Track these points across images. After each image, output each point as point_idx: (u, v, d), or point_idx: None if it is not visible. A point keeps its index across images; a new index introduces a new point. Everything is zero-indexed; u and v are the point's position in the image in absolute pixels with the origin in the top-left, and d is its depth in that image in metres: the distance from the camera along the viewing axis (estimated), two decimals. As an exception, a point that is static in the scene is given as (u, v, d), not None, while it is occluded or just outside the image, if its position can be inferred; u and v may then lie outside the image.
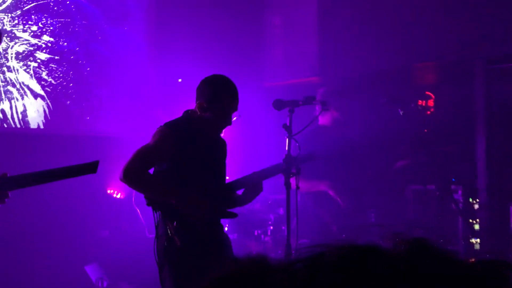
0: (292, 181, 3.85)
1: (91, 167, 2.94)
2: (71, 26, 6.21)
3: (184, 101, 4.20)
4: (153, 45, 6.84)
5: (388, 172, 5.14)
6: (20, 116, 5.92)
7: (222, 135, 3.82)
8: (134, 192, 5.66)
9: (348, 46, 6.28)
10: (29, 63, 5.95)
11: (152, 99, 6.65)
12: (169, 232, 3.33)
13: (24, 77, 5.92)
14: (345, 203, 4.85)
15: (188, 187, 3.39)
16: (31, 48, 5.96)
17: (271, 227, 5.42)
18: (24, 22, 5.93)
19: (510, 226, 4.99)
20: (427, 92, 5.16)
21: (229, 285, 0.92)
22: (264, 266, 0.90)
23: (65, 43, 6.16)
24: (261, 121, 6.42)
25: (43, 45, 6.02)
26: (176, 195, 3.32)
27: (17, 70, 5.88)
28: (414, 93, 5.53)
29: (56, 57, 6.09)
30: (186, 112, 3.58)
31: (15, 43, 5.88)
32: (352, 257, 0.77)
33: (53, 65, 6.07)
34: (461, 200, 5.15)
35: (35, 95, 5.98)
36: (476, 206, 5.23)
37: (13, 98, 5.87)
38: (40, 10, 6.01)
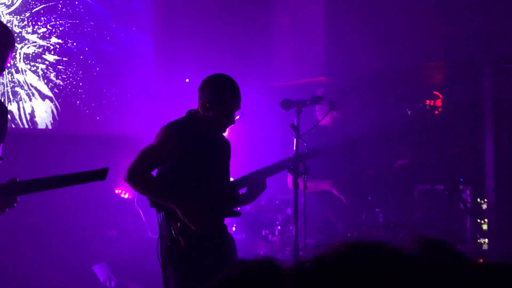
0: (299, 181, 3.85)
1: (100, 174, 2.94)
2: (80, 27, 6.23)
3: (192, 101, 4.21)
4: (160, 45, 6.85)
5: (388, 171, 5.13)
6: (28, 117, 5.94)
7: (227, 133, 3.82)
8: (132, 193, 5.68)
9: (356, 46, 6.28)
10: (37, 64, 5.97)
11: (161, 99, 6.66)
12: (173, 232, 3.34)
13: (32, 79, 5.95)
14: (348, 202, 4.85)
15: (188, 190, 3.38)
16: (40, 50, 5.98)
17: (279, 227, 5.41)
18: (33, 23, 5.95)
19: (518, 226, 4.98)
20: (435, 92, 5.15)
21: (236, 286, 0.93)
22: (271, 268, 0.90)
23: (74, 43, 6.18)
24: (268, 120, 6.42)
25: (51, 47, 6.04)
26: (175, 203, 3.33)
27: (25, 71, 5.90)
28: (422, 93, 5.52)
29: (65, 59, 6.11)
30: (189, 112, 3.58)
31: (24, 45, 5.90)
32: (363, 256, 0.77)
33: (61, 67, 6.09)
34: (469, 200, 5.13)
35: (43, 96, 6.01)
36: (484, 206, 5.22)
37: (21, 100, 5.90)
38: (48, 12, 6.03)
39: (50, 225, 5.72)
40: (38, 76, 5.98)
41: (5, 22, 5.57)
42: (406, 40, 5.95)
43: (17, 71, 5.87)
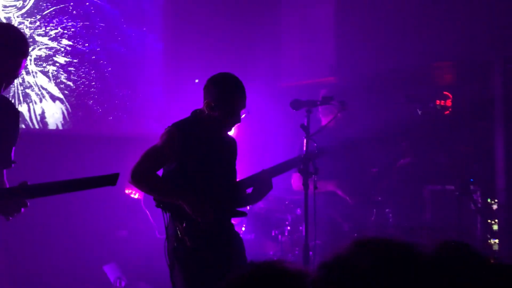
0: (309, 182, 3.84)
1: (110, 180, 2.95)
2: (91, 28, 6.25)
3: (202, 102, 4.21)
4: (170, 46, 6.87)
5: (391, 169, 5.11)
6: (38, 117, 5.97)
7: (233, 132, 3.81)
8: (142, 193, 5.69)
9: (366, 46, 6.26)
10: (48, 66, 6.00)
11: (171, 99, 6.67)
12: (178, 233, 3.34)
13: (43, 80, 5.97)
14: (354, 202, 4.85)
15: (194, 190, 3.38)
16: (50, 52, 6.01)
17: (288, 228, 5.41)
18: (44, 26, 5.98)
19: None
20: (445, 92, 5.13)
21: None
22: (281, 271, 0.90)
23: (86, 44, 6.20)
24: (277, 121, 6.42)
25: (62, 49, 6.06)
26: (181, 197, 3.33)
27: (36, 73, 5.93)
28: (432, 93, 5.50)
29: (75, 60, 6.14)
30: (194, 111, 3.57)
31: (35, 48, 5.92)
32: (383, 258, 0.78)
33: (72, 68, 6.12)
34: (480, 201, 5.11)
35: (54, 98, 6.03)
36: (495, 207, 5.20)
37: (31, 101, 5.92)
38: (59, 14, 6.06)
39: (61, 225, 5.74)
40: (49, 77, 6.00)
41: (16, 25, 5.60)
42: (416, 40, 5.93)
43: (28, 73, 5.90)
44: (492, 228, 5.11)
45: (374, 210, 5.00)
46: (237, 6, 7.08)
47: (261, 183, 3.58)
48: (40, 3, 5.95)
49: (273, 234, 5.46)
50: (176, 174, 3.43)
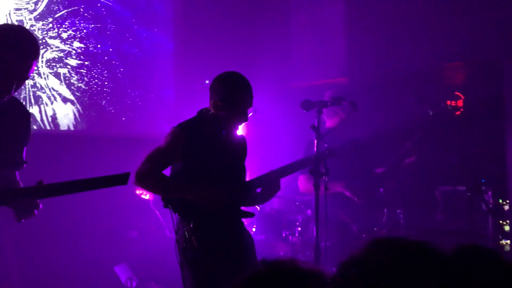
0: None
1: (122, 179, 2.96)
2: (103, 29, 6.28)
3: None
4: (180, 46, 6.88)
5: (398, 170, 5.10)
6: (50, 119, 6.00)
7: (243, 133, 3.81)
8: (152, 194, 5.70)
9: (376, 47, 6.25)
10: (59, 69, 6.02)
11: (182, 99, 6.68)
12: (186, 233, 3.35)
13: (54, 82, 6.00)
14: (361, 202, 4.84)
15: (201, 182, 3.38)
16: (62, 54, 6.03)
17: (299, 228, 5.41)
18: (56, 28, 6.01)
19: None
20: (457, 93, 5.12)
21: (260, 286, 0.93)
22: (295, 270, 0.91)
23: (98, 46, 6.23)
24: (287, 121, 6.42)
25: (74, 51, 6.09)
26: (190, 190, 3.33)
27: (47, 75, 5.96)
28: (443, 93, 5.49)
29: (86, 62, 6.16)
30: (201, 111, 3.56)
31: (46, 50, 5.95)
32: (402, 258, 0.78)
33: (83, 70, 6.14)
34: (491, 201, 5.09)
35: (65, 100, 6.06)
36: (506, 207, 5.18)
37: (42, 103, 5.95)
38: (71, 16, 6.08)
39: (72, 226, 5.77)
40: (60, 80, 6.03)
41: (28, 27, 5.63)
42: (426, 41, 5.92)
43: (40, 76, 5.93)
44: (503, 228, 5.09)
45: (385, 210, 4.99)
46: (247, 7, 7.09)
47: (270, 183, 3.58)
48: (52, 6, 5.98)
49: (283, 235, 5.46)
50: (182, 174, 3.43)
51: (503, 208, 5.17)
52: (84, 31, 6.15)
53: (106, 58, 6.29)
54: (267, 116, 6.38)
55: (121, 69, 6.40)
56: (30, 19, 5.87)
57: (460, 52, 5.85)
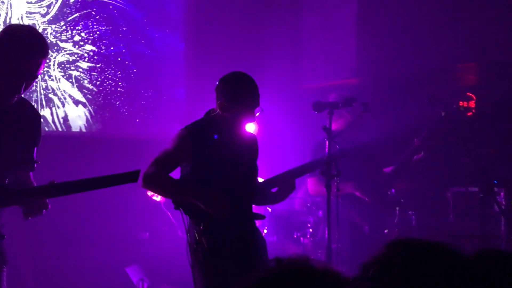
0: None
1: (132, 176, 2.97)
2: (115, 31, 6.30)
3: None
4: (191, 47, 6.89)
5: (407, 167, 5.08)
6: (61, 120, 6.02)
7: (255, 132, 3.80)
8: None
9: (388, 47, 6.24)
10: (71, 72, 6.05)
11: (195, 100, 6.69)
12: (196, 235, 3.35)
13: (66, 85, 6.02)
14: (372, 202, 4.83)
15: (207, 186, 3.37)
16: (74, 57, 6.06)
17: (310, 230, 5.40)
18: (68, 31, 6.03)
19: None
20: (469, 93, 5.10)
21: (274, 285, 0.93)
22: (310, 269, 0.90)
23: (111, 48, 6.25)
24: (298, 123, 6.42)
25: (86, 54, 6.11)
26: (195, 196, 3.33)
27: (59, 78, 5.99)
28: (455, 94, 5.47)
29: (98, 65, 6.18)
30: (208, 112, 3.56)
31: (58, 53, 5.98)
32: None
33: (94, 73, 6.17)
34: (504, 202, 5.06)
35: (77, 102, 6.08)
36: (519, 209, 5.14)
37: (54, 106, 5.98)
38: (83, 19, 6.11)
39: (84, 227, 5.79)
40: (72, 82, 6.05)
41: (40, 31, 5.67)
42: (438, 41, 5.90)
43: (51, 78, 5.96)
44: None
45: (397, 212, 4.98)
46: (258, 8, 7.09)
47: (285, 183, 3.57)
48: (64, 9, 6.01)
49: (295, 236, 5.46)
50: (191, 176, 3.43)
51: (516, 210, 5.14)
52: (97, 33, 6.17)
53: (119, 59, 6.31)
54: (277, 117, 6.38)
55: (134, 70, 6.42)
56: (42, 23, 5.90)
57: (472, 53, 5.82)
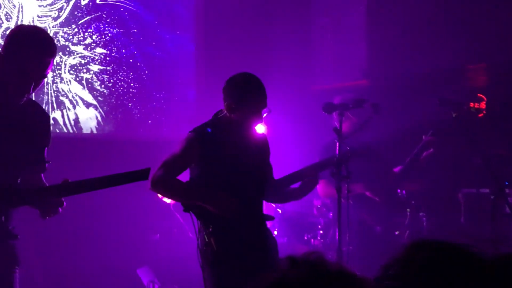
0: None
1: (142, 174, 2.99)
2: (127, 33, 6.32)
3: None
4: (202, 49, 6.90)
5: (415, 163, 5.07)
6: (72, 122, 6.05)
7: (265, 132, 3.80)
8: None
9: (398, 48, 6.23)
10: (83, 74, 6.08)
11: (207, 102, 6.70)
12: (205, 236, 3.36)
13: (77, 88, 6.05)
14: (383, 201, 4.82)
15: (216, 188, 3.38)
16: (85, 60, 6.09)
17: (321, 231, 5.39)
18: (80, 34, 6.06)
19: None
20: (479, 95, 5.07)
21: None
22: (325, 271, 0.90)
23: (123, 50, 6.27)
24: (309, 124, 6.41)
25: (97, 57, 6.14)
26: (203, 199, 3.34)
27: (70, 81, 6.01)
28: (466, 95, 5.44)
29: (108, 68, 6.21)
30: (216, 114, 3.57)
31: (69, 56, 6.00)
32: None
33: (105, 76, 6.19)
34: (515, 204, 5.04)
35: (88, 104, 6.11)
36: (531, 210, 5.11)
37: (65, 108, 6.01)
38: (94, 22, 6.13)
39: (95, 229, 5.81)
40: (83, 85, 6.08)
41: (51, 34, 5.70)
42: (449, 42, 5.88)
43: (62, 81, 5.99)
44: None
45: (408, 214, 4.97)
46: (268, 9, 7.10)
47: (309, 177, 3.58)
48: (76, 13, 6.04)
49: (305, 238, 5.45)
50: (200, 178, 3.44)
51: (527, 211, 5.11)
52: (109, 35, 6.20)
53: (131, 61, 6.34)
54: (287, 118, 6.38)
55: (146, 72, 6.44)
56: (54, 26, 5.93)
57: (483, 54, 5.80)
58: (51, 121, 5.76)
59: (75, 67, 6.04)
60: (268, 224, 3.70)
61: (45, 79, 3.23)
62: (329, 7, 7.09)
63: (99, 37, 6.15)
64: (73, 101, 6.04)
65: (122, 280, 5.73)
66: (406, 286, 0.81)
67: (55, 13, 5.94)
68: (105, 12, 6.20)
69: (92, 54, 6.10)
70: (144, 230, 6.20)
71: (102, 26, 6.17)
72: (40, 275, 5.50)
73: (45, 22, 5.87)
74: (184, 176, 3.53)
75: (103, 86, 6.18)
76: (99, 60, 6.15)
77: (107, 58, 6.20)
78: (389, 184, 5.02)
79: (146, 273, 5.81)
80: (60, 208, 3.07)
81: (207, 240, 3.36)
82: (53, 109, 5.93)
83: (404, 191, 5.11)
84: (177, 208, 5.85)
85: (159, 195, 6.11)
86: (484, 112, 4.93)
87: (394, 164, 5.18)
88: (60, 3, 5.97)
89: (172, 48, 6.65)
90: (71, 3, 6.01)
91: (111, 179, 3.01)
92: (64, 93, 6.00)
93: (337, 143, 3.94)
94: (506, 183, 4.89)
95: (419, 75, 6.10)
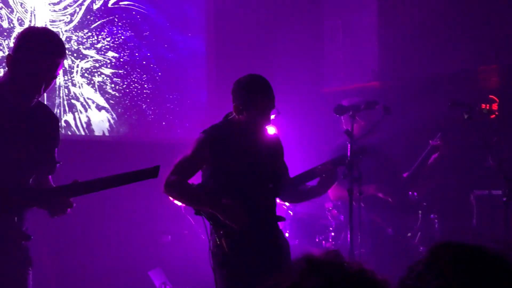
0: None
1: (152, 172, 3.01)
2: (139, 36, 6.34)
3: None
4: (213, 51, 6.92)
5: (424, 166, 5.05)
6: (84, 125, 6.08)
7: (276, 133, 3.80)
8: None
9: (409, 50, 6.21)
10: (95, 78, 6.11)
11: (216, 104, 6.71)
12: (217, 239, 3.37)
13: (89, 91, 6.08)
14: (395, 202, 4.80)
15: (231, 195, 3.38)
16: (98, 64, 6.12)
17: (332, 234, 5.38)
18: (96, 36, 6.09)
19: None
20: (491, 96, 5.05)
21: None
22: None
23: (136, 54, 6.30)
24: (320, 126, 6.41)
25: (109, 60, 6.16)
26: (213, 206, 3.35)
27: (82, 84, 6.05)
28: (477, 96, 5.42)
29: (120, 71, 6.23)
30: (226, 115, 3.58)
31: (82, 60, 6.03)
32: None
33: (117, 79, 6.22)
34: (527, 206, 5.01)
35: (99, 107, 6.13)
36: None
37: (76, 111, 6.04)
38: (107, 25, 6.16)
39: (106, 231, 5.83)
40: (95, 88, 6.11)
41: (64, 39, 5.73)
42: (460, 43, 5.86)
43: (74, 85, 6.02)
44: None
45: (420, 216, 4.95)
46: (279, 10, 7.10)
47: (328, 173, 3.57)
48: (88, 16, 6.07)
49: (317, 240, 5.45)
50: (211, 179, 3.46)
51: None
52: (122, 37, 6.22)
53: (144, 63, 6.36)
54: (298, 120, 6.38)
55: (159, 73, 6.46)
56: (66, 31, 5.96)
57: (495, 55, 5.77)
58: (63, 124, 5.86)
59: (88, 71, 6.07)
60: (280, 225, 3.70)
61: (56, 81, 3.26)
62: (339, 8, 7.09)
63: (112, 40, 6.18)
64: (85, 104, 6.07)
65: (133, 282, 5.74)
66: (429, 287, 0.81)
67: (67, 18, 5.97)
68: (117, 15, 6.22)
69: (104, 58, 6.13)
70: (155, 232, 6.21)
71: (114, 29, 6.20)
72: (52, 276, 5.53)
73: (57, 27, 5.90)
74: (196, 177, 3.54)
75: (115, 89, 6.21)
76: (111, 63, 6.18)
77: (120, 60, 6.23)
78: (400, 186, 5.01)
79: (157, 275, 5.83)
80: (68, 209, 3.08)
81: (218, 242, 3.37)
82: (65, 112, 5.96)
83: (415, 193, 5.09)
84: (189, 211, 5.86)
85: (171, 198, 6.16)
86: (496, 113, 4.91)
87: (404, 166, 5.17)
88: (72, 7, 6.00)
89: (184, 49, 6.67)
90: (84, 8, 6.04)
91: (121, 178, 3.03)
92: (76, 96, 6.03)
93: (349, 145, 3.93)
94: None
95: (430, 76, 6.09)
